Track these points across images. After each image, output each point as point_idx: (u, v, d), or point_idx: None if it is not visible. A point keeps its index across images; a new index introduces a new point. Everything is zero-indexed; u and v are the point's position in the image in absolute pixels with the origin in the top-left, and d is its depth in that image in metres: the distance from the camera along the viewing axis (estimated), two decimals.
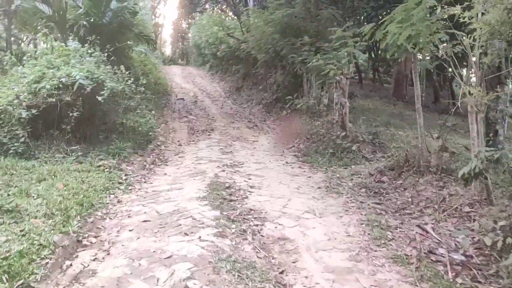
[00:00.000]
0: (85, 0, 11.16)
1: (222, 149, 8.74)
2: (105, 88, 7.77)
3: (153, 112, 12.44)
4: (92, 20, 11.03)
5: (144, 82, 9.20)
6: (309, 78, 11.68)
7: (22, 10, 11.77)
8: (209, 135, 10.39)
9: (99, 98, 7.52)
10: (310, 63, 9.85)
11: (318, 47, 10.32)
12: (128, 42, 14.91)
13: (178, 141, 9.59)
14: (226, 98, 18.31)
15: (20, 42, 10.99)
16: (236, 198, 5.59)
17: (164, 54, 41.98)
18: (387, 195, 6.01)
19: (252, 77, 18.35)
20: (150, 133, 9.27)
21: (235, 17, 21.40)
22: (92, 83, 7.70)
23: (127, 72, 8.86)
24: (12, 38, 11.59)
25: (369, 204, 5.55)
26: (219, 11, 28.75)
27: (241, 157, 8.12)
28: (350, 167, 7.47)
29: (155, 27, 42.36)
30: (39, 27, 10.72)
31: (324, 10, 11.85)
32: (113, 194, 5.61)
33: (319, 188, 6.33)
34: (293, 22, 11.64)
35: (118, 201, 5.36)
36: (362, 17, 16.87)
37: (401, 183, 6.32)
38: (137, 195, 5.65)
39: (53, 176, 5.87)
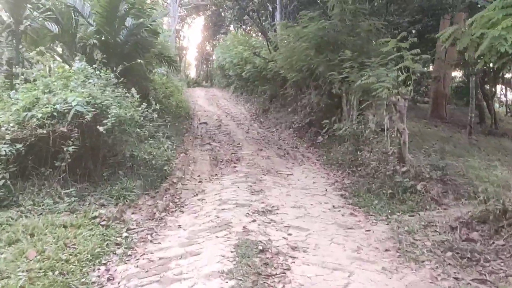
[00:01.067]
0: (97, 17, 9.93)
1: (250, 186, 7.09)
2: (109, 116, 6.33)
3: (172, 139, 11.03)
4: (103, 39, 9.78)
5: (158, 107, 7.70)
6: (349, 99, 9.99)
7: (31, 30, 10.67)
8: (234, 167, 8.78)
9: (101, 129, 6.06)
10: (356, 81, 8.20)
11: (362, 63, 8.66)
12: (146, 62, 13.75)
13: (199, 175, 8.01)
14: (252, 121, 16.78)
15: (31, 64, 9.90)
16: (274, 271, 3.90)
17: (189, 77, 41.49)
18: (487, 264, 4.19)
19: (280, 98, 16.80)
20: (166, 167, 7.74)
21: (261, 35, 20.05)
22: (93, 109, 6.28)
23: (137, 96, 7.41)
24: (25, 61, 10.41)
25: (469, 284, 3.75)
26: (244, 31, 27.61)
27: (275, 198, 6.44)
28: (418, 214, 5.66)
29: (179, 50, 42.03)
30: (46, 48, 9.56)
31: (363, 22, 10.24)
32: (105, 264, 4.02)
33: (387, 251, 4.55)
34: (329, 36, 10.07)
35: (109, 278, 3.75)
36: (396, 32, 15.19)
37: (502, 245, 4.48)
38: (137, 266, 4.03)
39: (29, 236, 4.36)
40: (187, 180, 7.58)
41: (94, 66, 8.06)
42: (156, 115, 7.44)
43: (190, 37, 48.41)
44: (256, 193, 6.66)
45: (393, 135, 7.03)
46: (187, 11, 39.83)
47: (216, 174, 8.13)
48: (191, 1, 40.45)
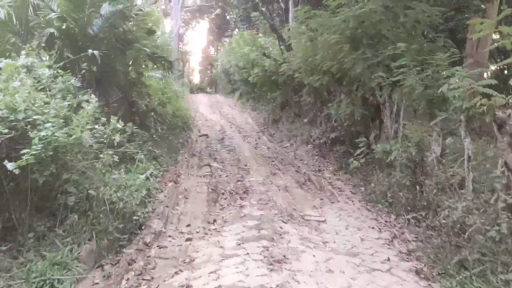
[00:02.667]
0: (61, 0, 7.37)
1: (267, 249, 4.41)
2: (35, 141, 3.73)
3: (160, 160, 8.43)
4: (67, 28, 7.20)
5: (132, 127, 5.10)
6: (392, 111, 7.33)
7: None
8: (241, 206, 6.11)
9: (10, 166, 3.45)
10: (415, 87, 5.56)
11: (424, 62, 6.00)
12: (135, 64, 11.22)
13: (188, 225, 5.33)
14: (261, 133, 14.14)
15: None
16: None
17: (192, 82, 39.18)
18: None
19: (294, 106, 14.17)
20: (138, 215, 5.09)
21: (271, 34, 17.42)
22: (7, 130, 3.69)
23: (96, 105, 4.77)
24: None
25: None
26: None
27: (310, 280, 3.78)
28: None
29: (182, 55, 39.75)
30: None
31: (412, 9, 7.58)
32: None
33: None
34: (367, 26, 7.43)
35: None
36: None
37: None
38: None
39: None
40: (169, 236, 4.90)
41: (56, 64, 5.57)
42: (119, 138, 4.75)
43: (194, 41, 45.87)
44: (277, 267, 3.98)
45: (495, 173, 4.34)
46: (190, 13, 37.53)
47: (214, 221, 5.46)
48: (195, 3, 38.18)
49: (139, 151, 7.28)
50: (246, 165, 9.15)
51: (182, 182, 7.48)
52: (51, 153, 3.90)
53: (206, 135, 13.53)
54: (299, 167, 9.12)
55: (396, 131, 7.13)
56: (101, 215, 4.61)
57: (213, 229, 5.11)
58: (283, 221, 5.42)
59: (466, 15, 14.63)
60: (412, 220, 5.37)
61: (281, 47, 14.25)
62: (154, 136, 10.37)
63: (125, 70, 9.77)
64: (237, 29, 30.83)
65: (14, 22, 7.15)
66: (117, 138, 4.60)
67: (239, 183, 7.55)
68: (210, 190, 7.04)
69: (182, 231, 5.06)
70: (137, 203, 5.35)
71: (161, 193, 6.49)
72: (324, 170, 8.71)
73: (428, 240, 4.74)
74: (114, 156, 4.93)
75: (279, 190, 7.10)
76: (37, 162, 3.73)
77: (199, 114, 18.24)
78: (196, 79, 42.86)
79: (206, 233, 4.98)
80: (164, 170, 7.92)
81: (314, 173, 8.43)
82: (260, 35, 20.91)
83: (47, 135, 3.80)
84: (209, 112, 19.22)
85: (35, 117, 3.99)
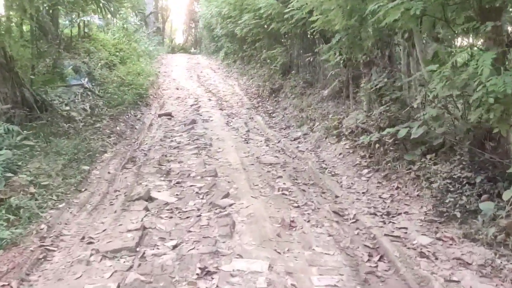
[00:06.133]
0: None
1: None
2: None
3: (49, 183, 3.55)
4: None
5: None
6: None
7: None
8: None
9: None
10: None
11: None
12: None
13: None
14: (254, 111, 9.13)
15: None
16: None
17: (174, 42, 33.72)
18: None
19: (304, 70, 9.10)
20: None
21: None
22: None
23: None
24: None
25: None
26: None
27: None
28: None
29: (162, 10, 33.89)
30: None
31: None
32: None
33: None
34: None
35: None
36: None
37: None
38: None
39: None
40: None
41: None
42: None
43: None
44: None
45: None
46: None
47: None
48: None
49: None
50: (227, 194, 4.23)
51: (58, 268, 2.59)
52: None
53: (169, 114, 8.45)
54: (339, 201, 4.23)
55: None
56: None
57: None
58: None
59: None
60: None
61: None
62: (59, 127, 5.40)
63: None
64: None
65: None
66: None
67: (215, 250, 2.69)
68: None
69: None
70: None
71: None
72: (400, 214, 3.81)
73: None
74: None
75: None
76: None
77: (168, 81, 13.02)
78: (180, 39, 37.24)
79: None
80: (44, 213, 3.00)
81: (381, 228, 3.55)
82: None
83: None
84: (184, 77, 13.96)
85: None
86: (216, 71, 15.53)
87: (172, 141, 6.56)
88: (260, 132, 7.38)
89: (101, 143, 5.66)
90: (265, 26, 9.71)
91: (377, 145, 4.95)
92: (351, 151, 5.40)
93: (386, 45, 5.55)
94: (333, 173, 5.03)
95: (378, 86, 5.25)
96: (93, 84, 8.44)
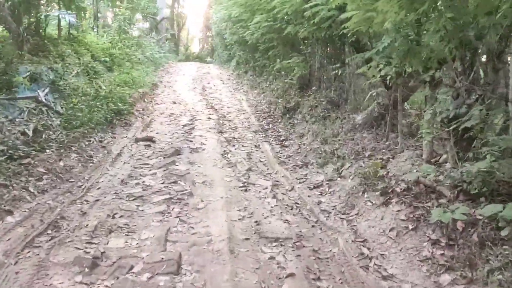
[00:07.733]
0: None
1: None
2: None
3: None
4: None
5: None
6: None
7: None
8: None
9: None
10: None
11: None
12: None
13: None
14: (261, 135, 6.97)
15: None
16: None
17: (189, 50, 32.31)
18: None
19: (327, 85, 6.93)
20: None
21: None
22: None
23: None
24: None
25: None
26: None
27: None
28: None
29: (177, 17, 32.56)
30: None
31: None
32: None
33: None
34: None
35: None
36: None
37: None
38: None
39: None
40: None
41: None
42: None
43: (194, 6, 37.26)
44: None
45: None
46: None
47: None
48: None
49: None
50: None
51: None
52: None
53: (149, 139, 6.35)
54: None
55: None
56: None
57: None
58: None
59: None
60: None
61: None
62: None
63: None
64: None
65: None
66: None
67: None
68: None
69: None
70: None
71: None
72: None
73: None
74: None
75: None
76: None
77: (168, 92, 11.03)
78: (196, 47, 35.89)
79: None
80: None
81: None
82: None
83: None
84: (186, 88, 11.94)
85: None
86: (225, 82, 13.49)
87: (137, 184, 4.46)
88: (267, 171, 5.22)
89: (15, 194, 3.60)
90: (280, 30, 7.61)
91: (463, 226, 2.74)
92: (410, 227, 3.18)
93: (472, 54, 3.35)
94: (384, 273, 2.82)
95: (461, 123, 3.04)
96: (55, 96, 6.46)
